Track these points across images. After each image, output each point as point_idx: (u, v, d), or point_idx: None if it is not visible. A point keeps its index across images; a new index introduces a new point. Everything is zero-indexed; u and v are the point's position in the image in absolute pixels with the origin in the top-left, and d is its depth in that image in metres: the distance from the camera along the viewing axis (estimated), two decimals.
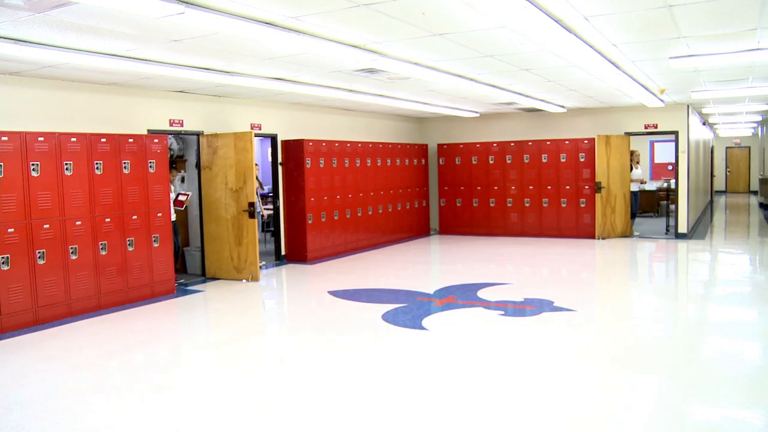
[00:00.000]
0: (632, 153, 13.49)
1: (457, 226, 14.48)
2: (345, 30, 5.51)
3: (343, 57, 6.51)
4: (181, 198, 9.23)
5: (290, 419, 4.28)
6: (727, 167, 27.80)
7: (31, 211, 6.82)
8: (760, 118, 18.47)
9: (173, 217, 8.89)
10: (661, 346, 5.92)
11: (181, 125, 9.26)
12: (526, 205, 13.76)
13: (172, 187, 9.08)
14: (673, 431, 4.03)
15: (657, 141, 17.76)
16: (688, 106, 12.81)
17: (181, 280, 9.26)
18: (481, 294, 8.00)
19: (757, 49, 6.74)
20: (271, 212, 11.22)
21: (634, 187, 13.58)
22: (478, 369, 5.17)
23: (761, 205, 19.90)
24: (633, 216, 13.59)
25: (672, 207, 13.75)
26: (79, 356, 5.89)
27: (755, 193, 24.38)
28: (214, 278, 9.50)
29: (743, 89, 10.45)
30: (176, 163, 9.27)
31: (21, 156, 6.75)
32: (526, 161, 13.71)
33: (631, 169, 13.38)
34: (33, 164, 6.83)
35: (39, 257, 6.88)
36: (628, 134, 13.34)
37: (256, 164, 10.26)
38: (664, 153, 17.17)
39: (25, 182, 6.78)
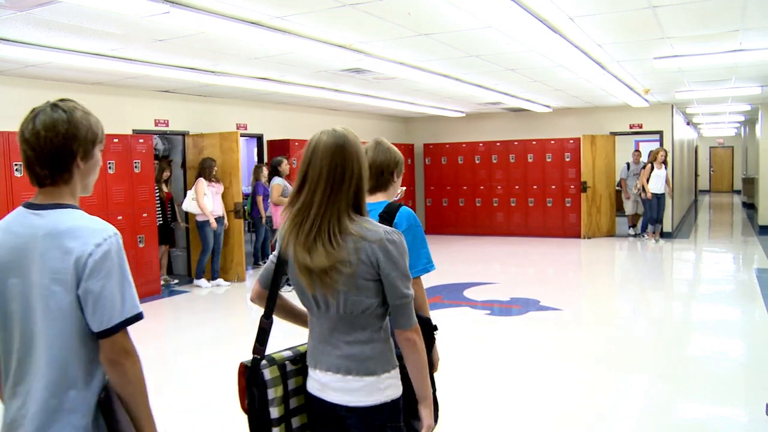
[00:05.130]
0: (657, 152, 12.09)
1: (444, 226, 14.50)
2: (331, 30, 5.51)
3: (328, 57, 6.50)
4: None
5: None
6: (710, 167, 28.04)
7: None
8: (743, 118, 18.65)
9: None
10: (648, 344, 5.97)
11: (167, 125, 9.21)
12: (512, 204, 13.80)
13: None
14: (661, 429, 4.07)
15: (642, 141, 17.86)
16: (672, 106, 12.91)
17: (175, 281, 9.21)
18: (468, 293, 8.02)
19: (740, 50, 6.81)
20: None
21: (658, 189, 11.99)
22: (465, 369, 5.19)
23: (744, 205, 20.10)
24: (659, 222, 12.23)
25: None
26: None
27: (738, 192, 24.60)
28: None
29: (726, 89, 10.55)
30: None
31: (4, 156, 6.67)
32: (512, 161, 13.75)
33: (653, 168, 11.98)
34: (16, 164, 6.75)
35: None
36: (614, 134, 13.42)
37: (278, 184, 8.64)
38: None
39: (9, 182, 6.70)
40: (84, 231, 1.70)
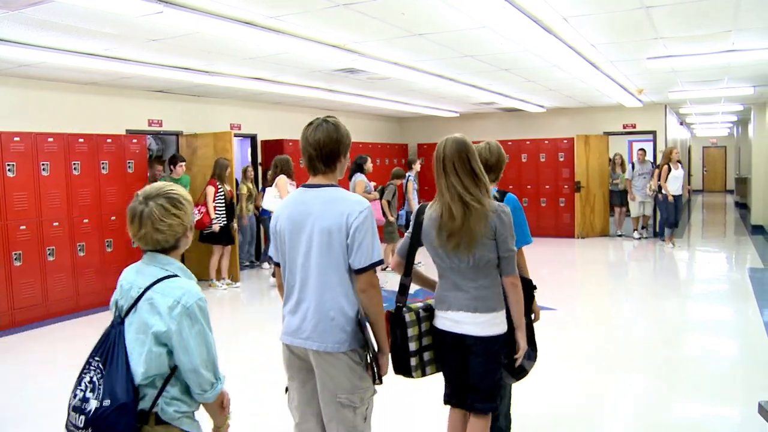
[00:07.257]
0: (670, 151, 11.50)
1: None
2: (325, 30, 5.50)
3: (323, 57, 6.50)
4: None
5: (282, 419, 4.27)
6: (704, 167, 28.14)
7: (6, 212, 6.71)
8: (736, 118, 18.73)
9: None
10: (642, 344, 5.98)
11: (160, 125, 9.19)
12: None
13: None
14: (656, 428, 4.07)
15: (635, 141, 17.90)
16: (665, 106, 12.95)
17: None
18: None
19: (732, 50, 6.84)
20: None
21: (677, 191, 11.46)
22: None
23: (737, 204, 20.17)
24: (676, 225, 11.78)
25: None
26: (60, 358, 5.81)
27: (731, 192, 24.69)
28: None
29: (719, 89, 10.59)
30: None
31: None
32: (506, 161, 13.72)
33: (670, 170, 11.39)
34: (9, 164, 6.73)
35: (15, 259, 6.79)
36: (607, 134, 13.45)
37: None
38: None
39: (0, 183, 6.68)
40: (351, 200, 2.54)
